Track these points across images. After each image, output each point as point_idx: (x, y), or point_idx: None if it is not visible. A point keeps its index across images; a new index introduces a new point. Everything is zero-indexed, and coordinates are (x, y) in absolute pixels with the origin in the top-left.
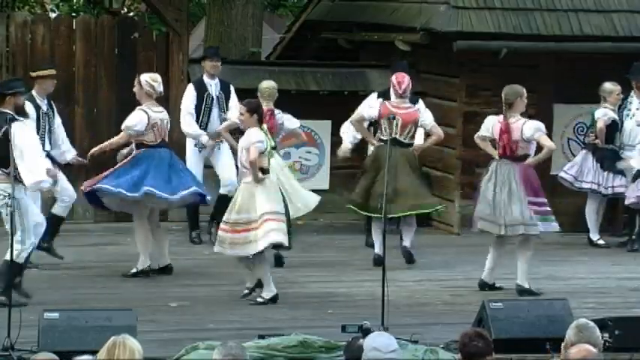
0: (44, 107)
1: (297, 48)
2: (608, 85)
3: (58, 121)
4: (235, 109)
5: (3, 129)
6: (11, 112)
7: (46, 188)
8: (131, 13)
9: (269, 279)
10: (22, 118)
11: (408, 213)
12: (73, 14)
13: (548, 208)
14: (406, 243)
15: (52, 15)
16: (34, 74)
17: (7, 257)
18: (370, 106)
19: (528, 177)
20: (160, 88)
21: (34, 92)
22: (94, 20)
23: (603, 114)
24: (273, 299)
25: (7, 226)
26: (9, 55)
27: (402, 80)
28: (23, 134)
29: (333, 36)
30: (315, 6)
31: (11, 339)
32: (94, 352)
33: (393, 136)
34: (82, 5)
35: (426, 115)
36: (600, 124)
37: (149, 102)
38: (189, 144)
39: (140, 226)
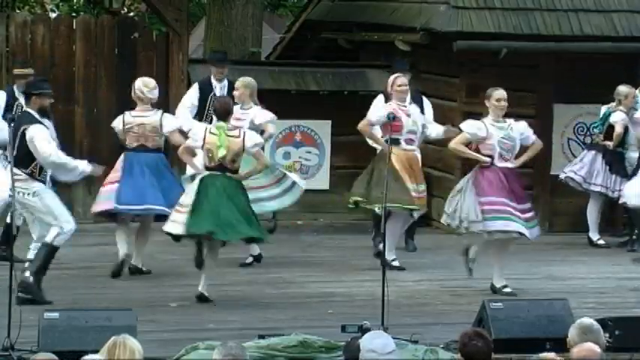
0: (21, 99)
1: (297, 48)
2: (623, 88)
3: None
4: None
5: (21, 129)
6: (34, 113)
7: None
8: (131, 13)
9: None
10: (44, 120)
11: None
12: (73, 14)
13: (502, 207)
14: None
15: (52, 15)
16: (15, 71)
17: (48, 239)
18: (378, 111)
19: (478, 177)
20: (151, 95)
21: (14, 87)
22: (94, 20)
23: (621, 118)
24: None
25: (19, 222)
26: (9, 55)
27: (402, 82)
28: (40, 138)
29: (333, 36)
30: (315, 6)
31: (11, 339)
32: (94, 352)
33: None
34: (82, 5)
35: (428, 113)
36: (619, 129)
37: (140, 106)
38: None
39: (121, 224)
